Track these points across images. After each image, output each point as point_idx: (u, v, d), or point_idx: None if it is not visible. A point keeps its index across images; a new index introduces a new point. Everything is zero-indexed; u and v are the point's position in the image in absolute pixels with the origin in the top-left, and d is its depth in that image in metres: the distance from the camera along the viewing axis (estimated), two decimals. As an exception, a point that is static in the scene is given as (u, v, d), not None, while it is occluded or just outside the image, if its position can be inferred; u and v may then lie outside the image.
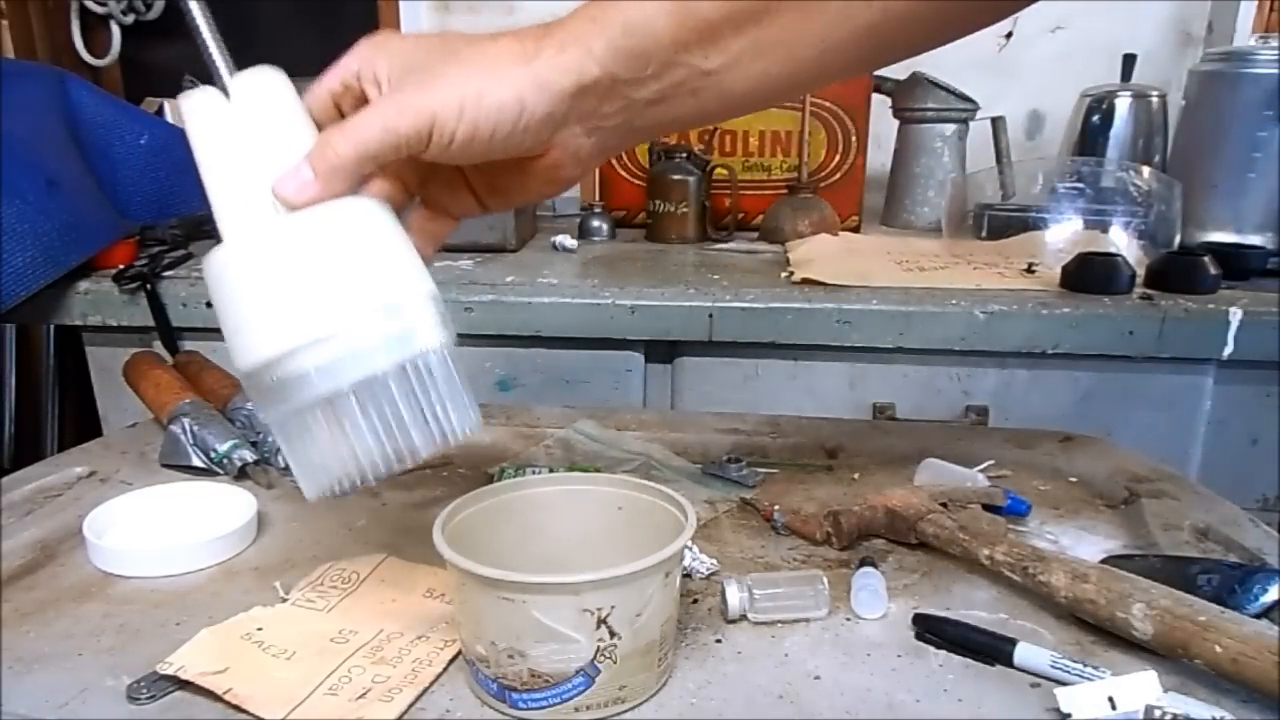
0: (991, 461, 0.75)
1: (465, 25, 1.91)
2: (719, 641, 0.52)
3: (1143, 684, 0.44)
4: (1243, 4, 1.67)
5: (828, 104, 1.49)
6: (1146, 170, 1.33)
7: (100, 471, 0.76)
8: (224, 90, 0.46)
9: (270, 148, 0.46)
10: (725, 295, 1.12)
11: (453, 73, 0.48)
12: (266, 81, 0.47)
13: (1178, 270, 1.14)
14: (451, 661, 0.50)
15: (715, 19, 0.49)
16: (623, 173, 1.58)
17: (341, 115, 0.51)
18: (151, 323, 1.17)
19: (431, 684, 0.48)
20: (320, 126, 0.49)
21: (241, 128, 0.46)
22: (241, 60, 0.48)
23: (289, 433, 0.46)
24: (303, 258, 0.44)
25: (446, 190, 0.56)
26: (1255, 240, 1.32)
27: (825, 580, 0.55)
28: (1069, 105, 1.57)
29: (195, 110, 0.46)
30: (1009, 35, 1.80)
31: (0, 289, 1.06)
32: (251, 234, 0.46)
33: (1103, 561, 0.56)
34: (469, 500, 0.51)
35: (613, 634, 0.44)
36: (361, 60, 0.50)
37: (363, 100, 0.50)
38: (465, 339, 1.30)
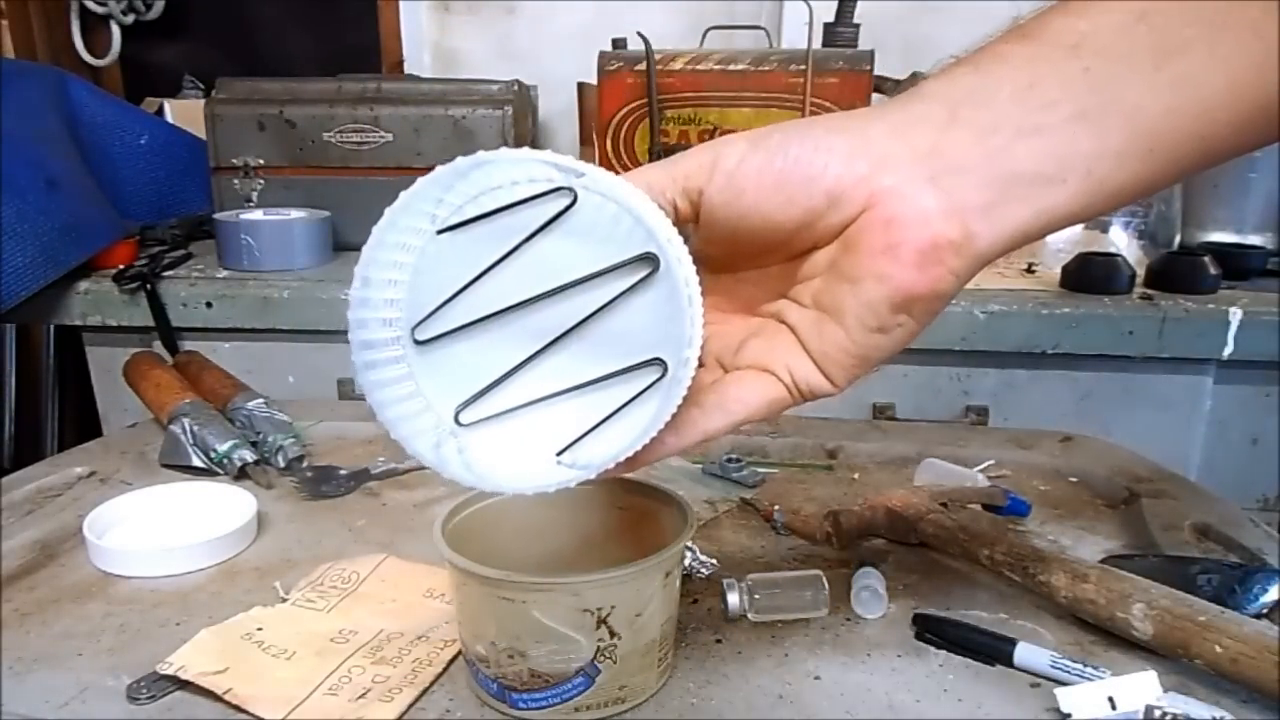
0: (991, 461, 0.75)
1: (465, 25, 1.91)
2: (719, 641, 0.52)
3: (1143, 684, 0.44)
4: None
5: (828, 104, 1.49)
6: (1146, 170, 1.33)
7: (100, 471, 0.76)
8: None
9: None
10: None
11: None
12: None
13: (1178, 270, 1.14)
14: (451, 662, 0.50)
15: (1081, 29, 0.36)
16: (623, 173, 1.58)
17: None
18: (151, 323, 1.17)
19: (431, 684, 0.48)
20: None
21: None
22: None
23: None
24: None
25: (748, 332, 0.42)
26: (1255, 240, 1.32)
27: (825, 580, 0.55)
28: (1069, 105, 1.56)
29: None
30: (1009, 35, 1.79)
31: (0, 289, 1.06)
32: None
33: (1103, 561, 0.56)
34: (469, 500, 0.51)
35: (613, 634, 0.44)
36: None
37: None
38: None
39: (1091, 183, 0.37)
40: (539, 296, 0.38)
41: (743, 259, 0.42)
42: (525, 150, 0.37)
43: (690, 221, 0.39)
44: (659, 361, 0.37)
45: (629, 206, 0.36)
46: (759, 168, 0.38)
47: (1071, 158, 0.36)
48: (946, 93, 0.37)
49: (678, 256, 0.36)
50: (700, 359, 0.38)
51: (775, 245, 0.40)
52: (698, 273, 0.37)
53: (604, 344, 0.38)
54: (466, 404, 0.39)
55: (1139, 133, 0.36)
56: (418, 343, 0.39)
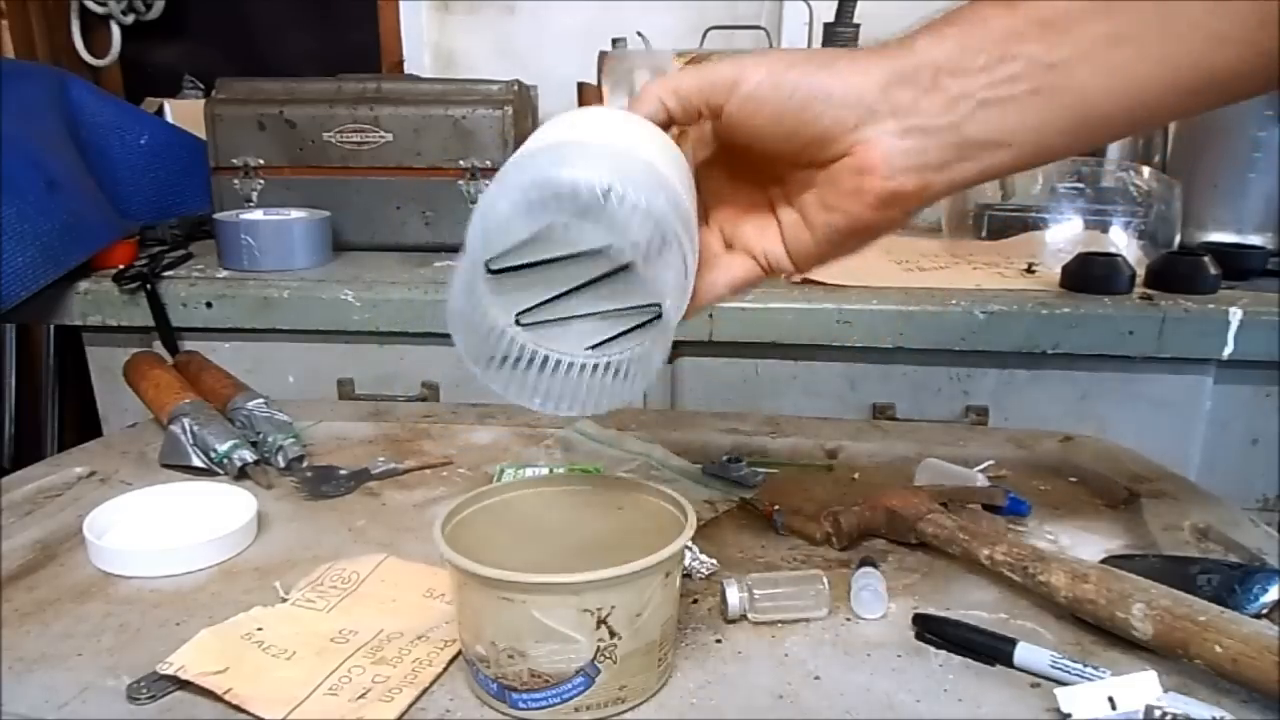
0: (991, 461, 0.75)
1: (465, 25, 1.91)
2: (719, 642, 0.52)
3: (1143, 684, 0.44)
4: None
5: (828, 104, 1.49)
6: (1146, 170, 1.33)
7: (100, 471, 0.76)
8: None
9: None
10: (725, 295, 1.12)
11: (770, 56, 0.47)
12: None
13: (1178, 270, 1.14)
14: (451, 661, 0.50)
15: (1062, 9, 0.42)
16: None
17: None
18: (151, 323, 1.17)
19: (431, 684, 0.48)
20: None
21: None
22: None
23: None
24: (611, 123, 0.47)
25: (748, 212, 0.51)
26: (1255, 240, 1.32)
27: (825, 580, 0.55)
28: (1069, 105, 1.56)
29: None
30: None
31: (0, 289, 1.06)
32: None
33: (1103, 561, 0.56)
34: (469, 500, 0.51)
35: (613, 634, 0.44)
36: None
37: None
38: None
39: (1032, 148, 0.45)
40: (581, 254, 0.44)
41: (758, 160, 0.50)
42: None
43: (714, 118, 0.48)
44: (658, 305, 0.45)
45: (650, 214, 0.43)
46: (770, 100, 0.45)
47: (1022, 129, 0.44)
48: (932, 55, 0.44)
49: (685, 253, 0.44)
50: (709, 225, 0.52)
51: (780, 158, 0.48)
52: (719, 175, 0.51)
53: (625, 286, 0.45)
54: (526, 311, 0.47)
55: (1082, 111, 0.44)
56: (491, 272, 0.46)
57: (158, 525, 0.66)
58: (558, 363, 0.47)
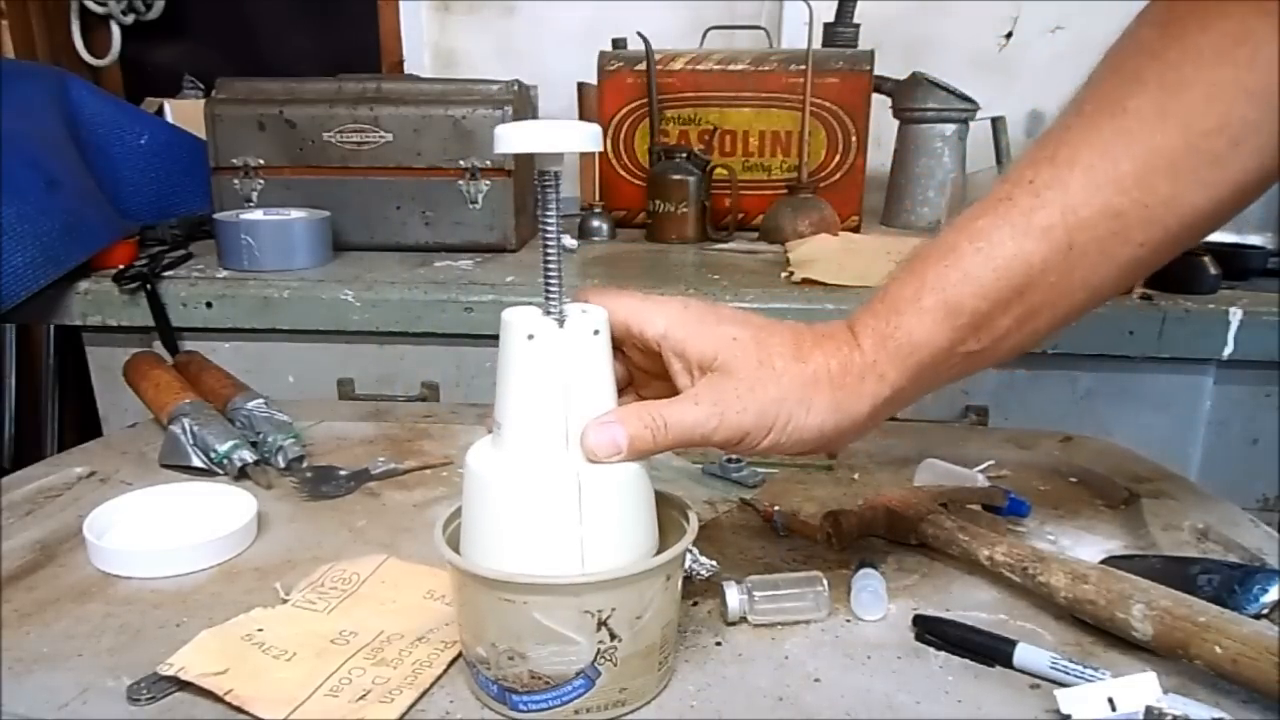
0: (991, 461, 0.75)
1: (465, 25, 1.91)
2: (719, 644, 0.52)
3: (1143, 684, 0.44)
4: (1242, 3, 1.67)
5: (828, 104, 1.49)
6: (1146, 170, 1.33)
7: (100, 471, 0.76)
8: (559, 318, 0.46)
9: (583, 385, 0.46)
10: (725, 295, 1.12)
11: (770, 392, 0.48)
12: (598, 319, 0.47)
13: (1178, 270, 1.14)
14: (452, 663, 0.50)
15: (983, 308, 0.49)
16: (623, 173, 1.58)
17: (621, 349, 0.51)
18: (151, 323, 1.17)
19: (432, 685, 0.48)
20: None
21: (565, 357, 0.46)
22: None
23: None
24: (567, 506, 0.44)
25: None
26: (1255, 240, 1.32)
27: (825, 581, 0.55)
28: (1069, 105, 1.56)
29: (529, 329, 0.45)
30: (1009, 35, 1.80)
31: (0, 289, 1.06)
32: (537, 459, 0.46)
33: (1103, 561, 0.56)
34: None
35: (613, 636, 0.44)
36: (671, 327, 0.49)
37: (654, 357, 0.50)
38: (465, 339, 1.28)
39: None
40: None
41: None
42: None
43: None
44: None
45: None
46: (769, 453, 0.50)
47: (911, 399, 0.52)
48: (896, 383, 0.50)
49: None
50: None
51: None
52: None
53: None
54: None
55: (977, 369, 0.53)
56: None
57: (158, 525, 0.66)
58: None
